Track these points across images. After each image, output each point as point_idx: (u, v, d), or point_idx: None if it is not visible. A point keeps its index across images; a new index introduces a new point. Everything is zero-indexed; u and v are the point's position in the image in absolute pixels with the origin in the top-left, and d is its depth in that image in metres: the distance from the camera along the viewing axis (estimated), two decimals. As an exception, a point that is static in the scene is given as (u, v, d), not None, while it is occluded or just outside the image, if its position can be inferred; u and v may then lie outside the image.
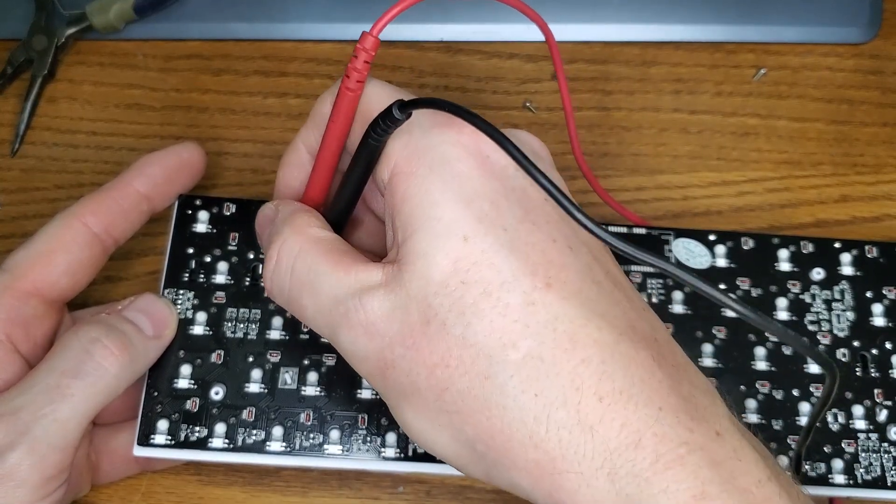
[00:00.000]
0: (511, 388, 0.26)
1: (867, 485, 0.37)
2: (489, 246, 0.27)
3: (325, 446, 0.37)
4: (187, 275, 0.39)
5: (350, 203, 0.33)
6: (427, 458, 0.37)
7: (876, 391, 0.39)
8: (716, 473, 0.25)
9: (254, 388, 0.37)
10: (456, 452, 0.28)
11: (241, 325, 0.38)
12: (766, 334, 0.39)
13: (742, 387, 0.38)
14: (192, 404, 0.37)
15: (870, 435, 0.38)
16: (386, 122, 0.28)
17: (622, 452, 0.25)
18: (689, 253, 0.40)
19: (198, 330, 0.38)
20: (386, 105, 0.29)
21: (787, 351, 0.39)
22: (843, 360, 0.39)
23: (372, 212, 0.35)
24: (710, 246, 0.40)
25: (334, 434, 0.37)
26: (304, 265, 0.30)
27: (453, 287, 0.27)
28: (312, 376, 0.37)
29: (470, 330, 0.27)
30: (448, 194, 0.28)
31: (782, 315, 0.40)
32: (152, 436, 0.36)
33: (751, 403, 0.38)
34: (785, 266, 0.40)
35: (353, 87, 0.30)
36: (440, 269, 0.27)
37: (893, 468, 0.37)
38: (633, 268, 0.40)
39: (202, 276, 0.39)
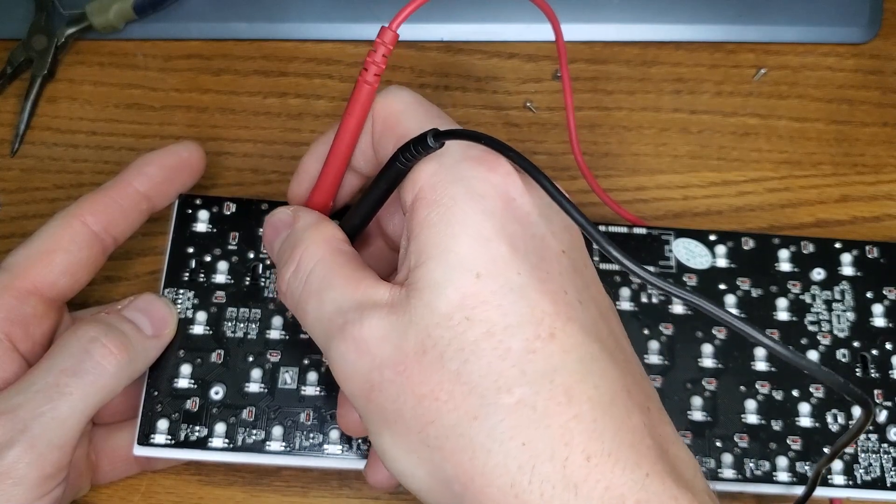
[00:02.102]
0: (499, 432, 0.26)
1: (867, 485, 0.37)
2: (500, 287, 0.27)
3: (325, 446, 0.37)
4: (187, 274, 0.39)
5: (365, 220, 0.33)
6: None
7: (876, 392, 0.39)
8: None
9: (254, 387, 0.37)
10: (429, 489, 0.27)
11: (241, 325, 0.38)
12: (767, 334, 0.39)
13: (742, 387, 0.38)
14: (192, 404, 0.37)
15: (869, 436, 0.38)
16: (417, 149, 0.28)
17: None
18: (690, 253, 0.40)
19: (198, 329, 0.38)
20: (401, 112, 0.29)
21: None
22: (843, 360, 0.39)
23: (381, 233, 0.35)
24: (710, 246, 0.40)
25: (334, 434, 0.37)
26: (319, 274, 0.30)
27: (457, 322, 0.27)
28: (312, 376, 0.37)
29: (466, 367, 0.26)
30: (468, 229, 0.27)
31: (782, 315, 0.40)
32: (152, 435, 0.36)
33: (750, 404, 0.38)
34: (785, 266, 0.40)
35: (370, 81, 0.31)
36: (447, 301, 0.27)
37: (893, 469, 0.37)
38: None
39: (202, 275, 0.39)
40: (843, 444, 0.32)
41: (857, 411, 0.38)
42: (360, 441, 0.37)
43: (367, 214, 0.33)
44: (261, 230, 0.37)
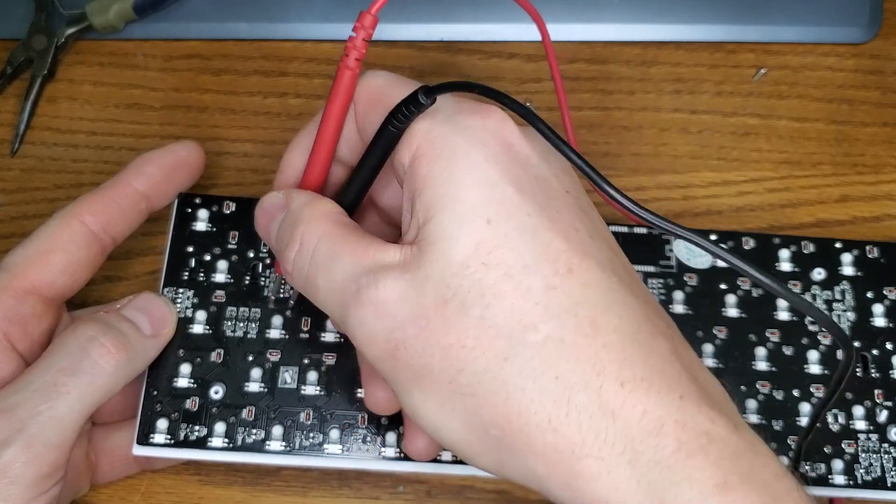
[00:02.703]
0: (531, 369, 0.26)
1: (867, 485, 0.37)
2: (512, 230, 0.27)
3: (325, 446, 0.37)
4: (187, 274, 0.39)
5: (361, 193, 0.33)
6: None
7: (876, 392, 0.39)
8: (737, 465, 0.25)
9: (253, 387, 0.37)
10: (467, 439, 0.27)
11: (241, 324, 0.38)
12: (768, 334, 0.39)
13: (742, 387, 0.38)
14: (191, 403, 0.37)
15: (870, 435, 0.38)
16: (409, 108, 0.28)
17: (644, 439, 0.25)
18: (690, 253, 0.40)
19: (197, 329, 0.38)
20: (383, 86, 0.29)
21: (787, 351, 0.39)
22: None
23: (375, 207, 0.35)
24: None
25: (334, 433, 0.37)
26: (324, 249, 0.30)
27: (474, 269, 0.27)
28: (312, 375, 0.37)
29: (489, 311, 0.26)
30: (473, 177, 0.28)
31: (783, 315, 0.39)
32: (152, 435, 0.36)
33: (751, 404, 0.38)
34: (786, 266, 0.40)
35: (352, 66, 0.31)
36: (462, 250, 0.27)
37: (893, 469, 0.37)
38: (634, 267, 0.40)
39: (202, 274, 0.39)
40: (832, 391, 0.32)
41: (857, 411, 0.38)
42: (360, 440, 0.37)
43: (362, 186, 0.32)
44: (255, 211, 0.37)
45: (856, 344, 0.39)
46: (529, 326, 0.26)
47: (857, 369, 0.39)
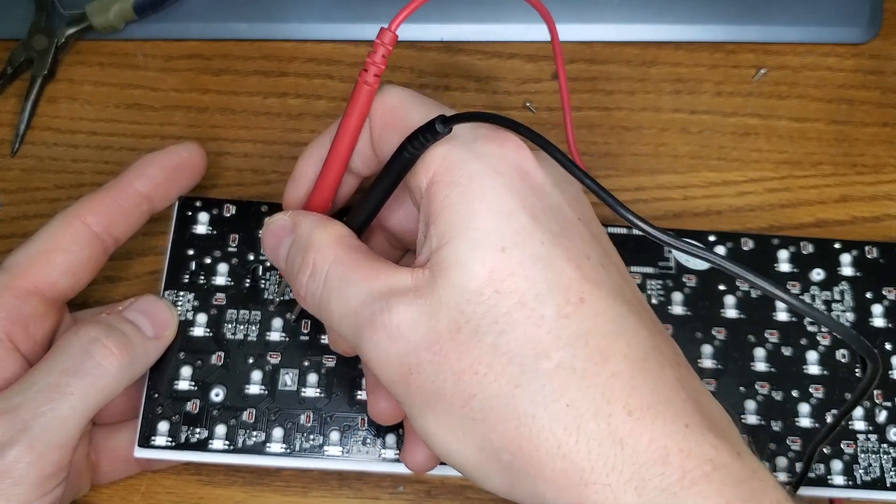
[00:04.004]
0: (542, 396, 0.26)
1: (867, 486, 0.37)
2: (526, 258, 0.27)
3: (325, 448, 0.37)
4: (187, 276, 0.39)
5: (371, 215, 0.33)
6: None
7: (875, 392, 0.39)
8: (739, 491, 0.26)
9: (254, 389, 0.37)
10: (478, 463, 0.28)
11: (242, 327, 0.38)
12: (767, 335, 0.39)
13: (741, 388, 0.38)
14: (192, 406, 0.37)
15: (869, 436, 0.38)
16: (426, 136, 0.29)
17: (650, 467, 0.26)
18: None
19: (198, 331, 0.38)
20: (400, 106, 0.30)
21: (786, 352, 0.39)
22: (843, 360, 0.39)
23: (382, 229, 0.35)
24: (710, 246, 0.40)
25: (334, 435, 0.37)
26: (336, 274, 0.30)
27: (487, 296, 0.27)
28: (312, 378, 0.38)
29: (503, 338, 0.27)
30: (488, 205, 0.28)
31: (782, 316, 0.40)
32: (153, 437, 0.36)
33: (750, 405, 0.38)
34: (785, 267, 0.40)
35: (370, 81, 0.31)
36: (476, 277, 0.27)
37: (893, 469, 0.37)
38: (633, 268, 0.40)
39: (202, 277, 0.39)
40: (853, 402, 0.31)
41: (857, 411, 0.38)
42: (360, 442, 0.37)
43: (373, 209, 0.33)
44: (261, 232, 0.37)
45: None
46: (542, 354, 0.27)
47: (857, 369, 0.39)
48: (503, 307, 0.27)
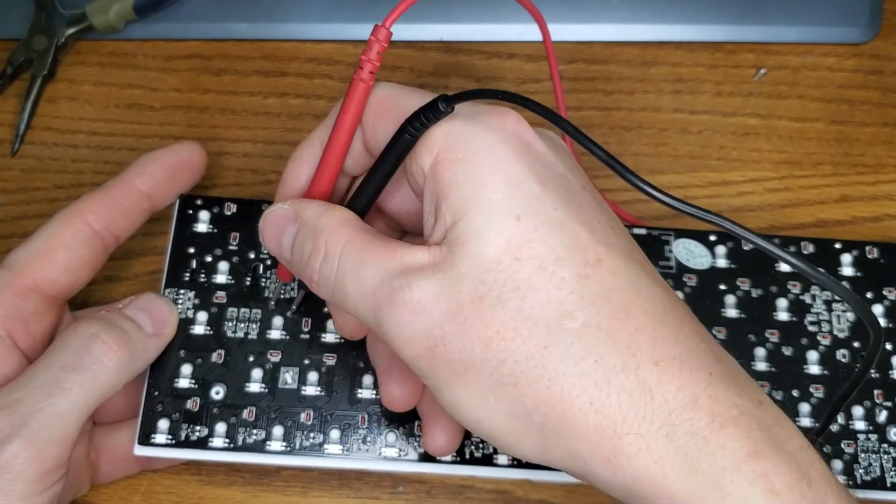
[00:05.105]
0: (571, 355, 0.27)
1: (867, 485, 0.37)
2: (541, 224, 0.28)
3: (326, 446, 0.37)
4: (188, 274, 0.39)
5: (372, 198, 0.33)
6: (427, 458, 0.37)
7: (876, 392, 0.39)
8: (765, 435, 0.27)
9: (254, 387, 0.37)
10: (510, 428, 0.28)
11: (242, 325, 0.38)
12: (767, 334, 0.39)
13: (742, 387, 0.38)
14: (192, 404, 0.37)
15: (869, 436, 0.38)
16: (427, 116, 0.29)
17: (680, 413, 0.26)
18: (690, 253, 0.40)
19: (198, 329, 0.38)
20: (392, 96, 0.30)
21: (786, 352, 0.39)
22: (843, 360, 0.39)
23: (380, 213, 0.35)
24: (710, 246, 0.40)
25: (334, 434, 0.37)
26: (350, 256, 0.30)
27: (507, 264, 0.27)
28: (313, 376, 0.38)
29: (526, 303, 0.27)
30: (497, 176, 0.28)
31: (782, 316, 0.40)
32: (153, 435, 0.36)
33: (751, 403, 0.38)
34: (785, 266, 0.40)
35: (365, 78, 0.31)
36: (494, 247, 0.28)
37: (893, 469, 0.37)
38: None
39: (203, 275, 0.39)
40: (860, 373, 0.32)
41: (857, 411, 0.38)
42: (360, 440, 0.37)
43: (374, 192, 0.33)
44: (259, 224, 0.37)
45: (855, 344, 0.39)
46: (566, 315, 0.27)
47: (857, 369, 0.39)
48: (524, 273, 0.27)
